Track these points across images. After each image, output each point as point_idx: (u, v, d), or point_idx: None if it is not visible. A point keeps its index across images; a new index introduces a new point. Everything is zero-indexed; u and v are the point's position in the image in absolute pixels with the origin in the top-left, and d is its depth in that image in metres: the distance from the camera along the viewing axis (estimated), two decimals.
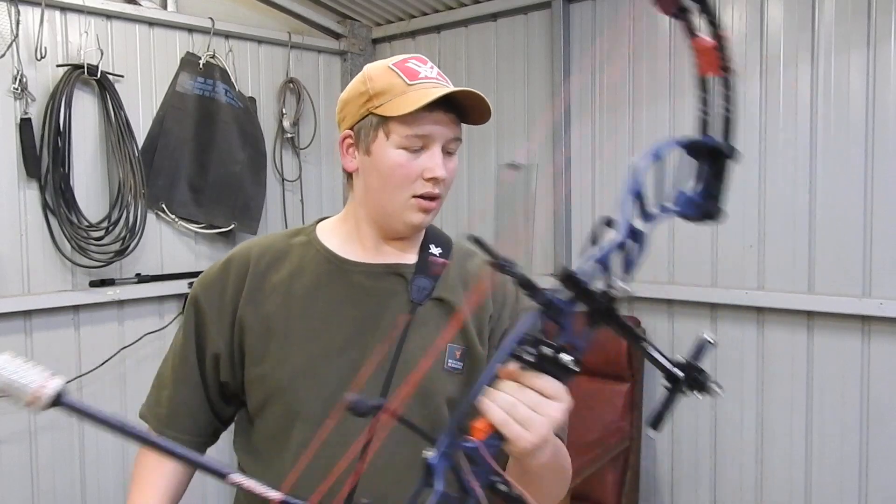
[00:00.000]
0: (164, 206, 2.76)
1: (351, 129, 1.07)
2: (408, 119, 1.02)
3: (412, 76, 1.03)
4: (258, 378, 1.08)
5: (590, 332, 0.70)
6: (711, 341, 0.72)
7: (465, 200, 3.19)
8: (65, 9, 2.49)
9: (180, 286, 2.75)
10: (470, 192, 3.17)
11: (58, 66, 2.47)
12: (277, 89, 3.13)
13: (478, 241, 0.70)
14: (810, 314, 2.33)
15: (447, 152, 1.05)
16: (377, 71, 1.05)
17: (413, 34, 3.28)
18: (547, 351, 0.68)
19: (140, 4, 2.69)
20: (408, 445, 0.97)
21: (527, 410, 0.71)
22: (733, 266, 2.47)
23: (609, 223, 0.75)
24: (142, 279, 2.68)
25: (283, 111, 3.12)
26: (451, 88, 1.02)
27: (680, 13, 0.82)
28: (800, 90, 2.32)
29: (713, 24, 0.73)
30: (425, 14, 3.18)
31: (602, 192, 2.77)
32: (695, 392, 0.71)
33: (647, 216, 0.77)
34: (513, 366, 0.72)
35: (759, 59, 2.39)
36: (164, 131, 2.74)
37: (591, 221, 2.81)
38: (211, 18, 2.85)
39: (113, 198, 2.59)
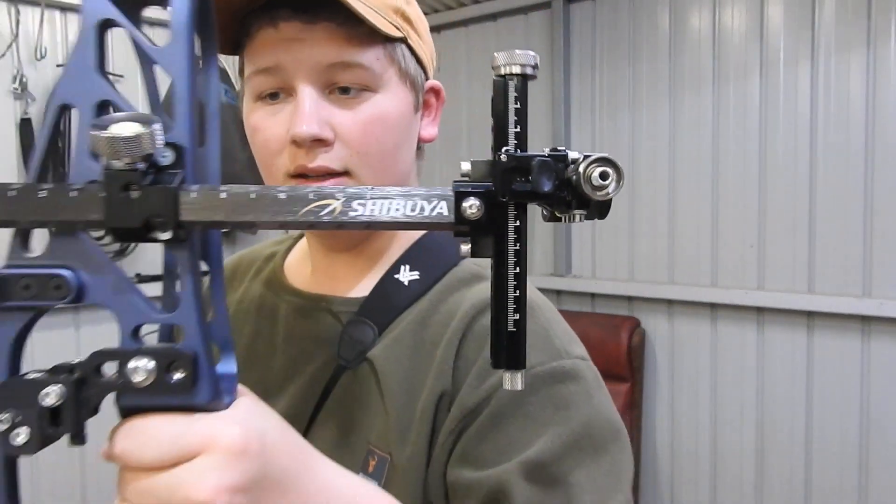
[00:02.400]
0: None
1: None
2: (250, 53, 0.62)
3: None
4: None
5: (184, 263, 0.37)
6: (518, 70, 0.37)
7: None
8: (65, 9, 2.49)
9: None
10: None
11: (58, 66, 2.47)
12: None
13: None
14: (810, 314, 2.33)
15: (342, 92, 0.61)
16: None
17: None
18: (48, 398, 0.34)
19: None
20: None
21: None
22: (733, 266, 2.47)
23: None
24: (142, 279, 2.68)
25: None
26: None
27: None
28: (800, 90, 2.32)
29: None
30: (425, 14, 3.17)
31: None
32: (566, 213, 0.40)
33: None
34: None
35: (759, 59, 2.39)
36: None
37: (592, 221, 2.80)
38: None
39: None
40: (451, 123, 3.22)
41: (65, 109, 0.39)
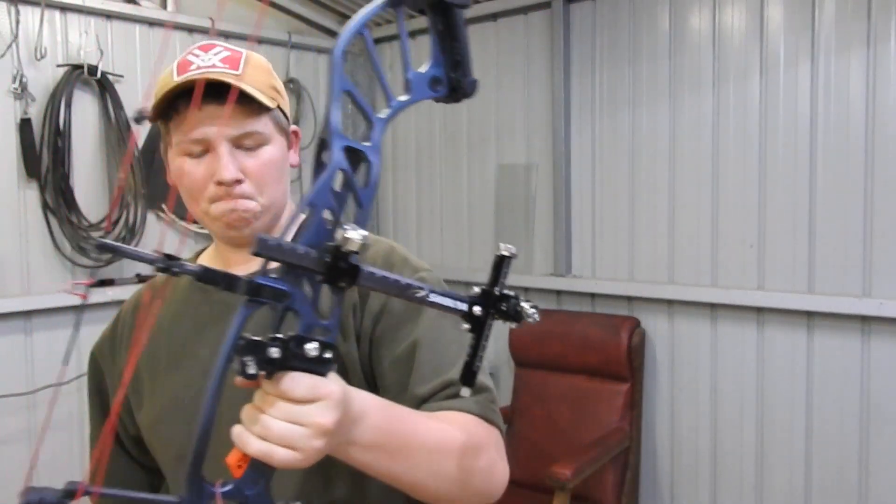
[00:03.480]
0: (164, 206, 2.77)
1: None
2: (177, 123, 0.92)
3: (182, 70, 0.91)
4: (140, 423, 1.04)
5: (336, 300, 0.61)
6: (508, 254, 0.66)
7: (465, 200, 3.19)
8: (65, 9, 2.49)
9: None
10: (470, 192, 3.17)
11: (58, 66, 2.47)
12: None
13: (105, 247, 0.58)
14: (810, 314, 2.33)
15: (246, 147, 0.92)
16: (163, 73, 0.94)
17: (413, 34, 3.28)
18: (273, 353, 0.58)
19: (140, 4, 2.69)
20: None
21: (283, 427, 0.60)
22: (733, 266, 2.47)
23: (325, 143, 0.62)
24: (142, 279, 2.68)
25: None
26: (185, 78, 0.88)
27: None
28: (800, 90, 2.32)
29: None
30: (425, 14, 3.17)
31: (602, 192, 2.77)
32: (509, 323, 0.67)
33: (371, 121, 0.63)
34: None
35: (759, 59, 2.39)
36: None
37: (591, 221, 2.81)
38: (211, 18, 2.85)
39: (113, 198, 2.59)
40: (451, 122, 3.22)
41: (312, 206, 0.60)
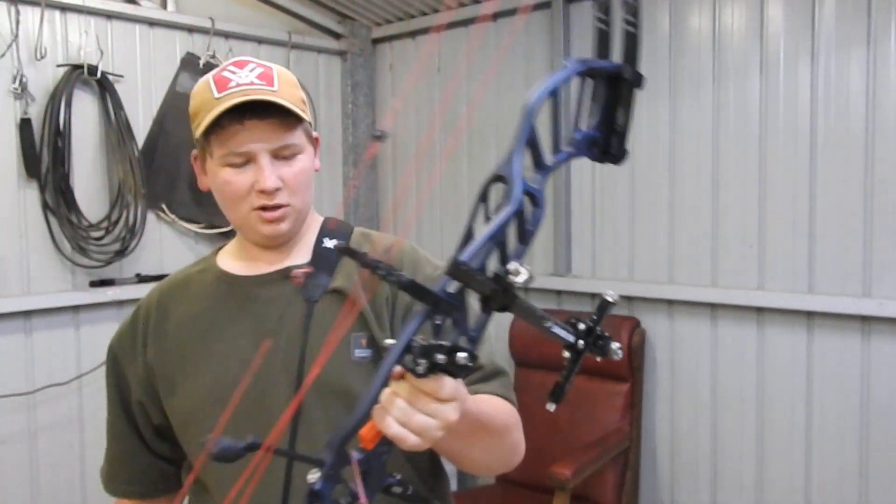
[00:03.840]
0: (164, 206, 2.77)
1: (197, 148, 1.06)
2: (220, 137, 0.99)
3: (221, 87, 0.99)
4: (171, 411, 1.09)
5: (485, 318, 0.67)
6: (612, 300, 0.73)
7: (465, 201, 3.19)
8: (65, 9, 2.49)
9: None
10: (470, 193, 3.17)
11: (58, 66, 2.47)
12: None
13: (348, 251, 0.64)
14: (810, 314, 2.33)
15: (283, 157, 1.01)
16: (198, 87, 1.02)
17: (413, 34, 3.28)
18: (440, 359, 0.64)
19: (140, 4, 2.69)
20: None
21: (422, 419, 0.68)
22: (733, 266, 2.47)
23: (500, 179, 0.69)
24: (142, 279, 2.68)
25: None
26: (236, 100, 0.96)
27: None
28: (800, 90, 2.32)
29: None
30: (425, 14, 3.18)
31: (602, 192, 2.78)
32: (598, 357, 0.75)
33: (542, 168, 0.69)
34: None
35: (759, 59, 2.39)
36: (164, 131, 2.74)
37: (591, 221, 2.81)
38: (211, 18, 2.85)
39: (113, 198, 2.59)
40: (451, 122, 3.22)
41: (492, 240, 0.65)
